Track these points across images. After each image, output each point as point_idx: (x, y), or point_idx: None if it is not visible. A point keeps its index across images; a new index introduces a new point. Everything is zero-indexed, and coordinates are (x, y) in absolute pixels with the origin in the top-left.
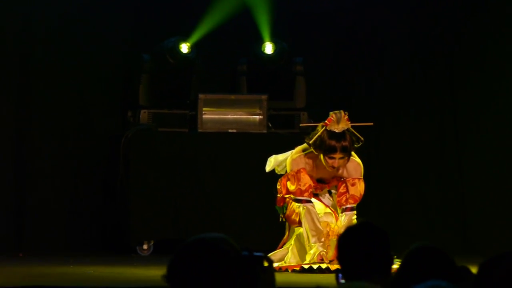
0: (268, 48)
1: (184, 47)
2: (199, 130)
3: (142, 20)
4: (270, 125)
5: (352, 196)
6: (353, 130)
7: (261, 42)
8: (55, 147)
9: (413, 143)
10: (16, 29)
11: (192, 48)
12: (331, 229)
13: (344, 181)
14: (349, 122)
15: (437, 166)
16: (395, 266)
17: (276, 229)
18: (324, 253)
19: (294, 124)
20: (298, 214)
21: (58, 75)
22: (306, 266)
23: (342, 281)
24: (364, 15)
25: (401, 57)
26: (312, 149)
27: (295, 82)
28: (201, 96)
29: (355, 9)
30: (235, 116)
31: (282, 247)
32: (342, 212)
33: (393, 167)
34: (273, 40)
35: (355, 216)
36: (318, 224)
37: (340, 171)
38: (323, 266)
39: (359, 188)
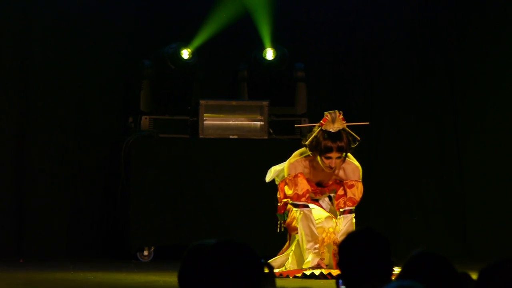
0: (269, 54)
1: (185, 53)
2: (200, 136)
3: (143, 26)
4: (271, 131)
5: (350, 199)
6: (349, 130)
7: (262, 48)
8: (55, 153)
9: (413, 148)
10: (16, 38)
11: (193, 54)
12: (327, 234)
13: (343, 184)
14: (345, 122)
15: (437, 171)
16: (396, 271)
17: (276, 235)
18: (321, 260)
19: (295, 130)
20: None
21: (59, 81)
22: (307, 272)
23: (343, 287)
24: (364, 21)
25: (401, 62)
26: (309, 153)
27: (296, 88)
28: (202, 102)
29: (356, 16)
30: (236, 122)
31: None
32: (340, 215)
33: (393, 171)
34: (274, 46)
35: (353, 220)
36: (314, 230)
37: (337, 171)
38: (325, 272)
39: (357, 191)
